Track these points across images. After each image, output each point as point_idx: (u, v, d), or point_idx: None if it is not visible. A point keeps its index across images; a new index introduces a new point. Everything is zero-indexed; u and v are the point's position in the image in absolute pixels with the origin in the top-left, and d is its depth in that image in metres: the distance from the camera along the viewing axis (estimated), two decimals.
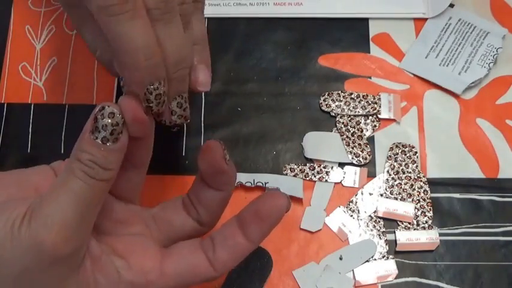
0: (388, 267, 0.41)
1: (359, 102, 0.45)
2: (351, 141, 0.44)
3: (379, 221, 0.42)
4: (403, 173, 0.43)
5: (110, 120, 0.30)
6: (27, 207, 0.29)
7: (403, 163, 0.43)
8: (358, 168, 0.43)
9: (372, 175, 0.43)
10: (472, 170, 0.43)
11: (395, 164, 0.43)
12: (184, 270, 0.33)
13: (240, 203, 0.39)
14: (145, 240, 0.34)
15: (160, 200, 0.37)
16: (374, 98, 0.45)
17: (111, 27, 0.30)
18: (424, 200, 0.42)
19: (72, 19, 0.39)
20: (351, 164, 0.44)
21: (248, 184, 0.42)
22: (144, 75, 0.30)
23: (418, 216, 0.42)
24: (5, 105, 0.46)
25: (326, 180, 0.43)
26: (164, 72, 0.31)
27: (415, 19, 0.48)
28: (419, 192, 0.43)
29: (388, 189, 0.43)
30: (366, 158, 0.44)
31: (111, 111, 0.30)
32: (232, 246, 0.33)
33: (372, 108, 0.45)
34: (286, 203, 0.33)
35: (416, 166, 0.43)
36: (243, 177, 0.43)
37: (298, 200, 0.43)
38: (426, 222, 0.42)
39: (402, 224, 0.42)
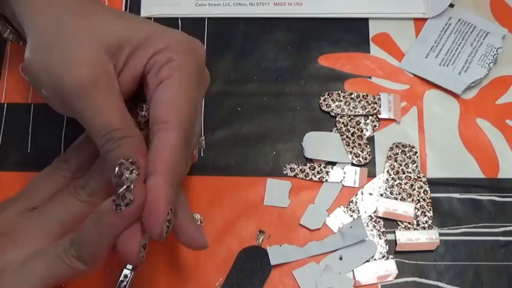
0: (388, 267, 0.41)
1: (359, 102, 0.45)
2: (351, 141, 0.44)
3: (379, 221, 0.42)
4: (403, 173, 0.43)
5: None
6: None
7: (403, 163, 0.43)
8: (358, 168, 0.43)
9: (372, 175, 0.43)
10: (472, 170, 0.43)
11: (395, 164, 0.43)
12: None
13: None
14: None
15: None
16: (374, 98, 0.45)
17: None
18: (424, 200, 0.42)
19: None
20: (351, 164, 0.44)
21: None
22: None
23: (418, 216, 0.42)
24: (5, 105, 0.46)
25: (326, 180, 0.43)
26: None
27: (415, 19, 0.48)
28: (419, 192, 0.43)
29: (388, 189, 0.43)
30: (366, 158, 0.44)
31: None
32: None
33: (372, 108, 0.45)
34: None
35: (416, 166, 0.43)
36: None
37: (299, 199, 0.43)
38: (426, 222, 0.42)
39: (402, 224, 0.42)
